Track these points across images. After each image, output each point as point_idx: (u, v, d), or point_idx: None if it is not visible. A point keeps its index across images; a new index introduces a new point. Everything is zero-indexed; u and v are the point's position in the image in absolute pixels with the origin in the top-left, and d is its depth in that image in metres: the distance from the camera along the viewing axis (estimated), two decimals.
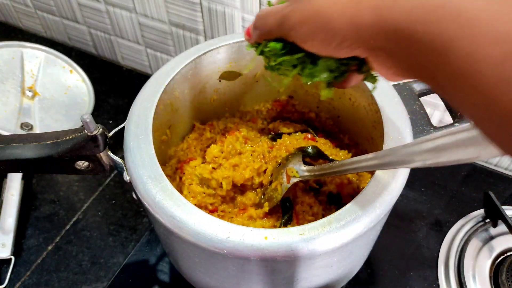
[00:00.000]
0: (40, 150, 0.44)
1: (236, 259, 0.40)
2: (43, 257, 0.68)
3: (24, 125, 0.82)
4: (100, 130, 0.43)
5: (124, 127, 0.48)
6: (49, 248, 0.69)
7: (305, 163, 0.54)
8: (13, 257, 0.67)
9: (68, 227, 0.72)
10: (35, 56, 0.88)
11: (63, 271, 0.67)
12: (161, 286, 0.64)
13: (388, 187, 0.42)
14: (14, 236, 0.68)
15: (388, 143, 0.45)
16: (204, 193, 0.56)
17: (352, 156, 0.59)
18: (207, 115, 0.64)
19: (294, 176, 0.52)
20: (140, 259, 0.67)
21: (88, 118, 0.42)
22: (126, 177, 0.45)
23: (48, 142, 0.44)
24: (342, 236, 0.39)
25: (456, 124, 0.49)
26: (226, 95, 0.63)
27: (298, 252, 0.38)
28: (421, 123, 0.50)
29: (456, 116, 0.50)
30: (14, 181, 0.74)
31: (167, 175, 0.43)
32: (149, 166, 0.43)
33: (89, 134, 0.43)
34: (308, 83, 0.37)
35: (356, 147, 0.61)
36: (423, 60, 0.24)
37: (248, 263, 0.40)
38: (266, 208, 0.52)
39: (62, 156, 0.45)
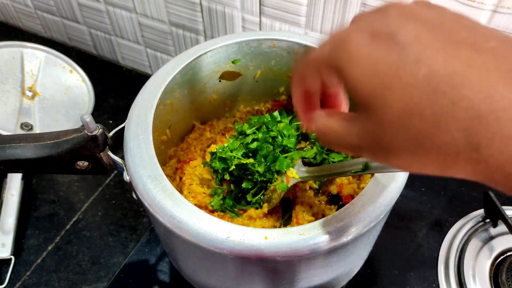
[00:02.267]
0: (40, 150, 0.44)
1: (236, 259, 0.40)
2: (43, 257, 0.68)
3: (24, 125, 0.82)
4: (100, 130, 0.43)
5: (124, 127, 0.48)
6: (49, 248, 0.69)
7: (305, 163, 0.54)
8: (13, 257, 0.67)
9: (68, 227, 0.72)
10: (35, 56, 0.88)
11: (63, 271, 0.67)
12: (161, 286, 0.64)
13: (388, 187, 0.42)
14: (14, 236, 0.68)
15: None
16: (204, 193, 0.56)
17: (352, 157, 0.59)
18: (207, 115, 0.64)
19: (293, 177, 0.52)
20: (140, 259, 0.67)
21: (88, 118, 0.42)
22: (126, 177, 0.45)
23: (48, 142, 0.44)
24: (342, 236, 0.39)
25: None
26: (226, 95, 0.63)
27: (298, 252, 0.38)
28: None
29: None
30: (14, 181, 0.74)
31: (167, 175, 0.43)
32: (149, 166, 0.43)
33: (89, 134, 0.43)
34: None
35: None
36: None
37: (248, 263, 0.40)
38: (265, 208, 0.52)
39: (62, 156, 0.44)
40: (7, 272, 0.66)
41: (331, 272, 0.47)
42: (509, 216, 0.63)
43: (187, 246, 0.43)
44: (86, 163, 0.46)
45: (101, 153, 0.45)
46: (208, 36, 0.82)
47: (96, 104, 0.89)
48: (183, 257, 0.49)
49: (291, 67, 0.60)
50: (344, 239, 0.39)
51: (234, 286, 0.48)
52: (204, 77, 0.58)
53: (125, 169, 0.45)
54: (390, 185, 0.42)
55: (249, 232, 0.39)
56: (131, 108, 0.49)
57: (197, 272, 0.50)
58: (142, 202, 0.42)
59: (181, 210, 0.40)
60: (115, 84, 0.95)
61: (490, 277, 0.62)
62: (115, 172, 0.78)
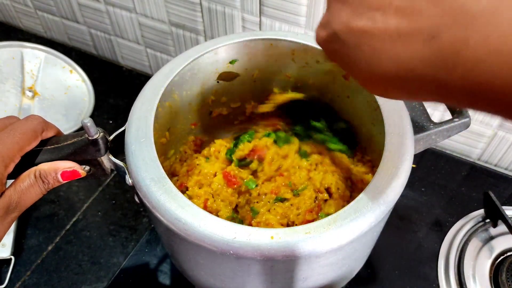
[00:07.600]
0: (41, 156, 0.43)
1: (242, 259, 0.40)
2: (43, 257, 0.68)
3: None
4: (101, 134, 0.43)
5: (124, 130, 0.47)
6: (49, 248, 0.69)
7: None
8: (13, 257, 0.67)
9: (68, 227, 0.72)
10: (35, 56, 0.88)
11: (63, 271, 0.67)
12: (161, 286, 0.64)
13: (390, 184, 0.42)
14: (14, 236, 0.68)
15: (389, 139, 0.45)
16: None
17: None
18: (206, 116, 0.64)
19: None
20: (140, 259, 0.67)
21: (89, 122, 0.41)
22: (129, 181, 0.44)
23: (49, 147, 0.43)
24: (348, 234, 0.39)
25: (456, 120, 0.50)
26: (225, 95, 0.63)
27: (304, 251, 0.38)
28: (421, 119, 0.50)
29: (455, 112, 0.51)
30: None
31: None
32: (151, 169, 0.43)
33: (90, 138, 0.42)
34: None
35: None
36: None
37: (255, 262, 0.40)
38: None
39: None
40: (7, 272, 0.66)
41: (336, 270, 0.47)
42: (509, 216, 0.63)
43: (192, 248, 0.43)
44: (87, 168, 0.46)
45: (102, 157, 0.45)
46: (208, 36, 0.82)
47: (96, 104, 0.89)
48: (187, 259, 0.49)
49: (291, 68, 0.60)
50: (350, 236, 0.39)
51: (239, 286, 0.48)
52: (203, 78, 0.58)
53: (127, 172, 0.45)
54: (391, 185, 0.42)
55: (255, 232, 0.39)
56: (131, 111, 0.49)
57: (202, 274, 0.50)
58: (145, 205, 0.42)
59: (186, 212, 0.40)
60: (115, 84, 0.95)
61: (490, 277, 0.62)
62: (115, 172, 0.78)
